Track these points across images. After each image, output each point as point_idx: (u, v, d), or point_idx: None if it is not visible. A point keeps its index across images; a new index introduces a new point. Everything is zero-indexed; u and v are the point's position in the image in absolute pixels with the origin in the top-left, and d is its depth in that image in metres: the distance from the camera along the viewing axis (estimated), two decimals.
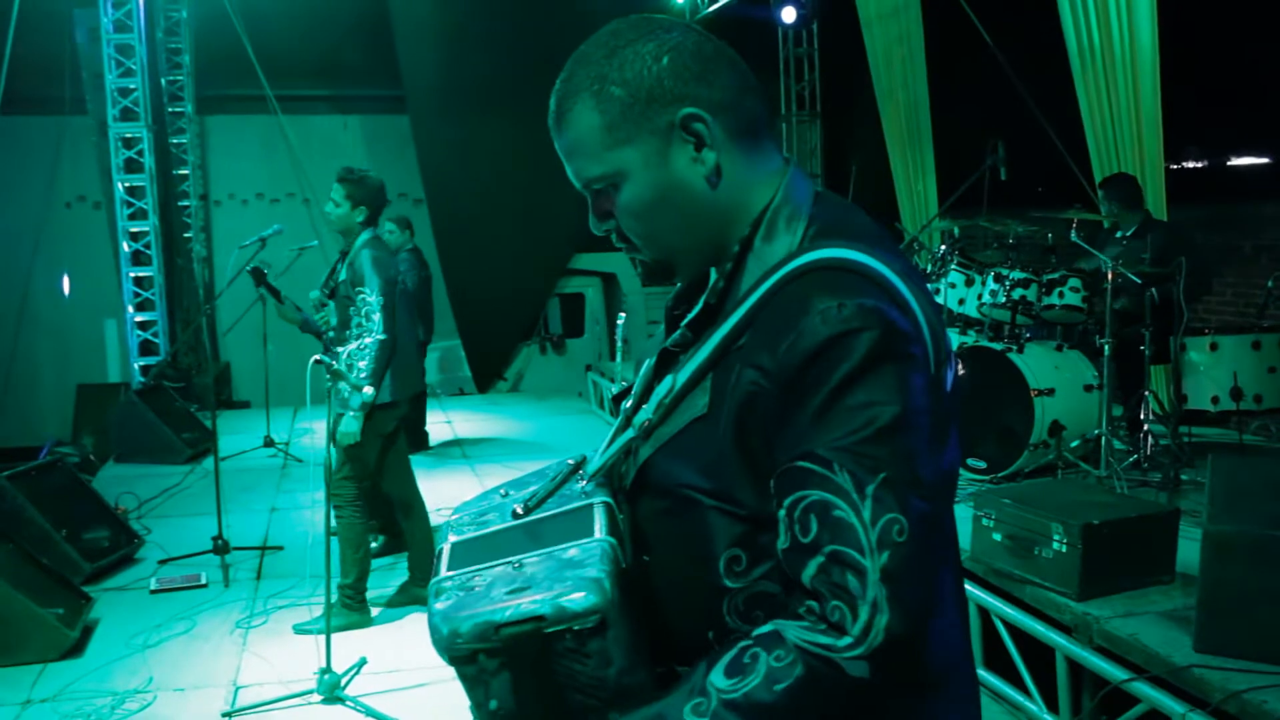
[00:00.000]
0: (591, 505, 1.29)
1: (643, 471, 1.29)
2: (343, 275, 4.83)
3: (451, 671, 1.25)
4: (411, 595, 5.18)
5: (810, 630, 1.11)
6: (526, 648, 1.17)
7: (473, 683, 1.22)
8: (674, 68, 1.23)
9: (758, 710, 1.10)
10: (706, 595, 1.23)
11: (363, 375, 4.57)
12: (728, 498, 1.21)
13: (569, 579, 1.18)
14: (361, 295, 4.67)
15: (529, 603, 1.17)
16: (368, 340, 4.63)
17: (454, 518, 1.40)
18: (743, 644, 1.15)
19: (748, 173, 1.28)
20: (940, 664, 1.27)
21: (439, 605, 1.22)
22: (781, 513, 1.15)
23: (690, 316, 1.31)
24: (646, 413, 1.28)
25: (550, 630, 1.17)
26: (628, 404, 1.35)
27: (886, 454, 1.10)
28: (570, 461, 1.37)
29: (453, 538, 1.35)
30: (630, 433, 1.30)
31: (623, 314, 7.87)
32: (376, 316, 4.64)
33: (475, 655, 1.20)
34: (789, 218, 1.26)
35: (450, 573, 1.27)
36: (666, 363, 1.32)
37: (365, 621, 4.92)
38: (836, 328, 1.11)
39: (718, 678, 1.14)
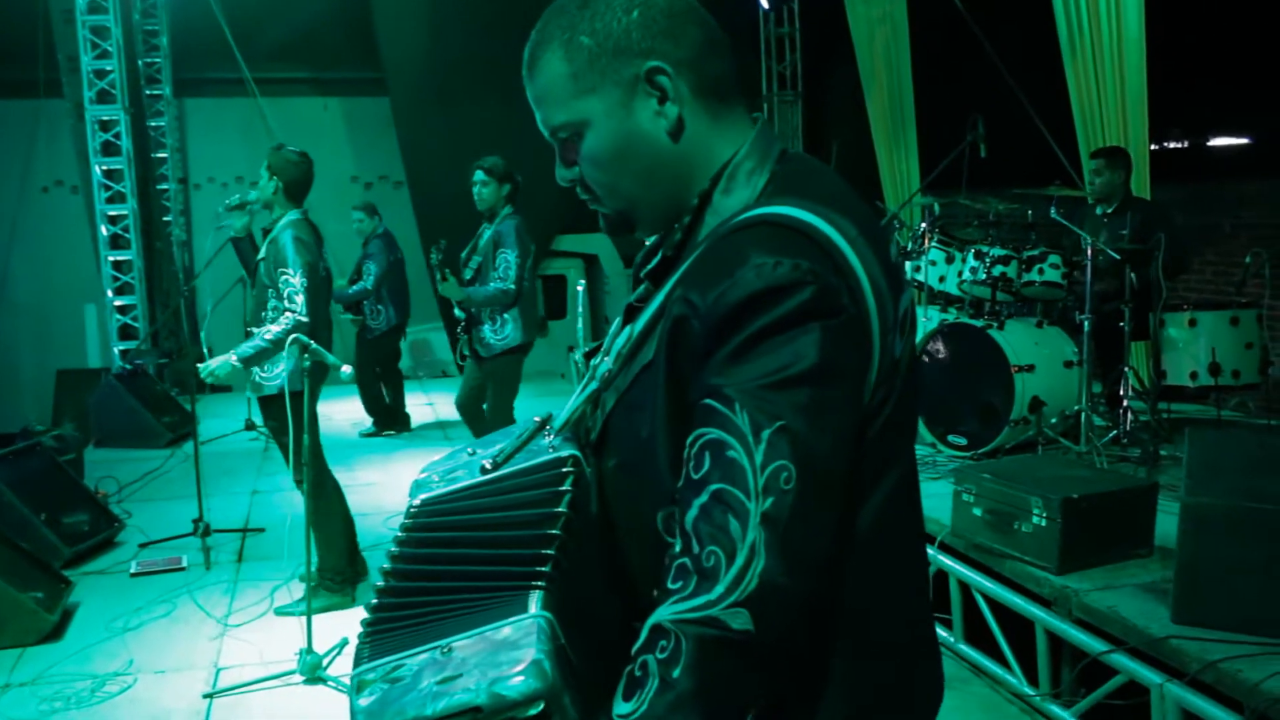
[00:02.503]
0: (528, 591, 1.18)
1: (606, 423, 1.29)
2: (262, 254, 4.73)
3: None
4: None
5: (681, 600, 1.08)
6: None
7: None
8: (643, 21, 1.25)
9: (670, 708, 1.07)
10: (654, 552, 1.21)
11: (265, 337, 4.52)
12: (668, 448, 1.20)
13: (504, 662, 1.09)
14: (284, 276, 4.56)
15: (462, 691, 1.07)
16: (286, 317, 4.53)
17: (422, 476, 1.37)
18: (628, 667, 1.12)
19: (711, 130, 1.28)
20: (901, 627, 1.28)
21: (363, 702, 1.12)
22: (685, 452, 1.13)
23: (648, 268, 1.31)
24: (607, 363, 1.30)
25: None
26: (596, 360, 1.35)
27: (789, 404, 1.09)
28: (536, 419, 1.36)
29: (361, 632, 1.26)
30: (594, 385, 1.31)
31: (582, 283, 7.62)
32: (299, 299, 4.53)
33: None
34: (749, 173, 1.27)
35: (372, 662, 1.17)
36: (630, 317, 1.33)
37: (347, 603, 4.90)
38: (769, 282, 1.10)
39: (619, 706, 1.11)
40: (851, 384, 1.15)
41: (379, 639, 1.21)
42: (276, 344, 4.50)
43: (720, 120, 1.29)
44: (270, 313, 4.61)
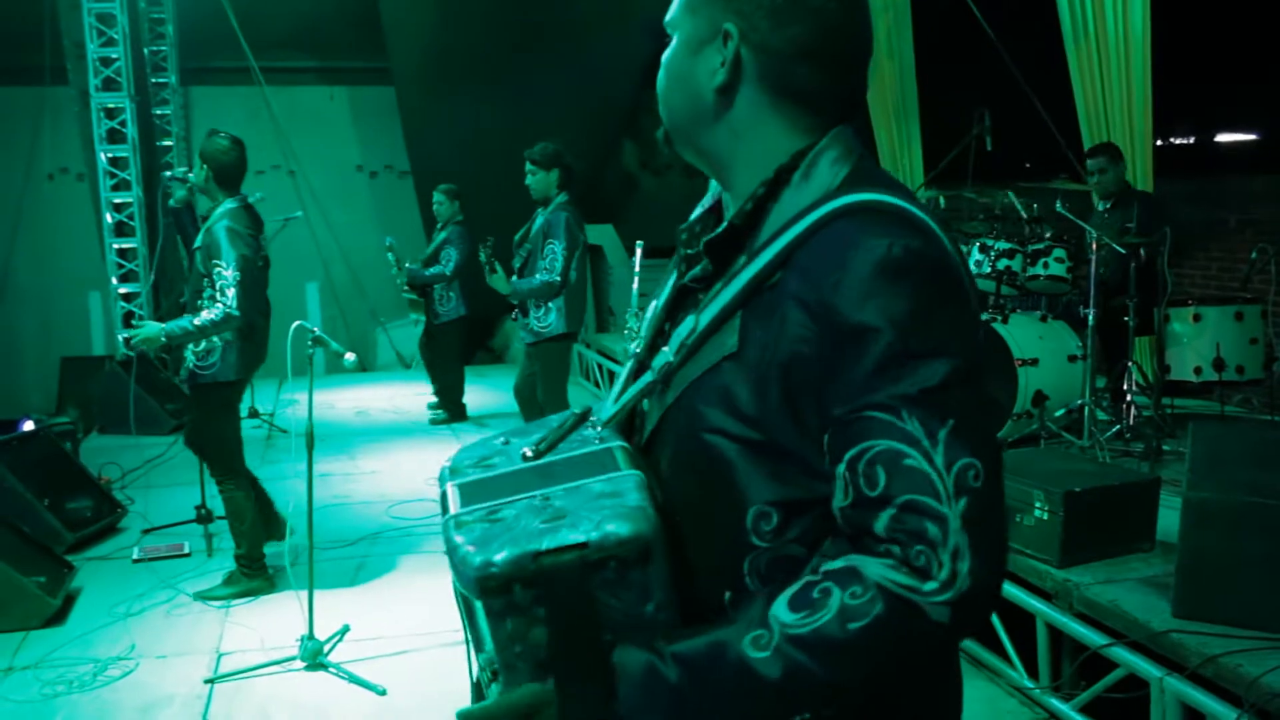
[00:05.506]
0: (610, 448, 1.23)
1: (665, 418, 1.23)
2: (198, 242, 4.76)
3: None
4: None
5: (894, 569, 1.05)
6: (566, 578, 1.10)
7: (499, 617, 1.14)
8: None
9: (826, 647, 1.05)
10: (727, 553, 1.17)
11: (195, 321, 4.51)
12: (766, 445, 1.14)
13: (608, 507, 1.13)
14: (217, 269, 4.55)
15: (569, 530, 1.11)
16: (217, 307, 4.52)
17: (448, 464, 1.32)
18: (809, 579, 1.09)
19: (761, 120, 1.23)
20: None
21: (462, 538, 1.14)
22: (841, 468, 1.09)
23: (711, 236, 1.24)
24: (666, 355, 1.22)
25: (592, 559, 1.10)
26: (637, 349, 1.29)
27: (954, 400, 1.06)
28: (576, 411, 1.32)
29: (454, 483, 1.27)
30: (648, 376, 1.24)
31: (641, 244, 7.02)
32: (231, 292, 4.51)
33: (509, 586, 1.11)
34: (834, 161, 1.21)
35: (467, 508, 1.19)
36: (683, 300, 1.26)
37: (267, 588, 4.94)
38: (889, 267, 1.07)
39: (781, 611, 1.07)
40: (982, 366, 1.13)
41: (469, 492, 1.23)
42: (202, 330, 4.54)
43: (780, 117, 1.23)
44: (205, 301, 4.62)
